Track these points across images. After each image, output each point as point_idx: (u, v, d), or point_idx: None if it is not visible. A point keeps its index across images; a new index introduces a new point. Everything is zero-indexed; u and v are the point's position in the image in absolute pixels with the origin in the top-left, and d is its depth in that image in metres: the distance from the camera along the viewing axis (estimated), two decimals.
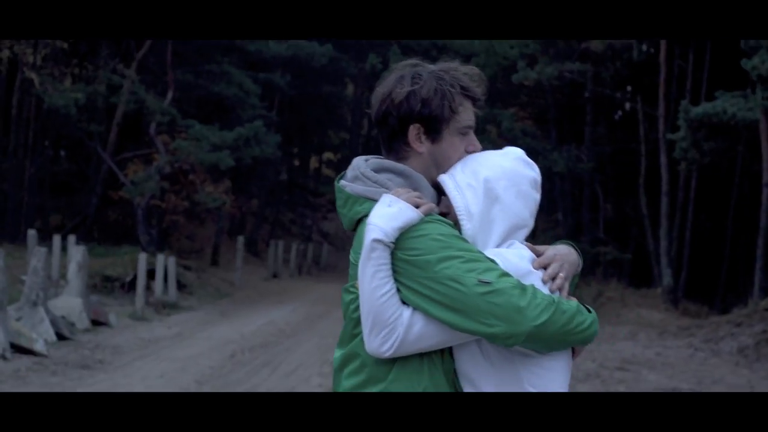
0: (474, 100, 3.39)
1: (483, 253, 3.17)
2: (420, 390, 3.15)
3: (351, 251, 3.32)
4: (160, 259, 25.75)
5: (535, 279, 3.18)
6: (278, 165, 46.46)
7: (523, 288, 3.08)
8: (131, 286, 25.69)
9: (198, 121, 34.04)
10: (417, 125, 3.31)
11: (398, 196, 3.16)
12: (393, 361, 3.17)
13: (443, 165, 3.35)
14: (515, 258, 3.20)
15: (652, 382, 15.77)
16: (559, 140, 32.94)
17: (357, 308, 3.21)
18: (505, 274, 3.11)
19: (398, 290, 3.14)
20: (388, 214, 3.12)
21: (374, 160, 3.39)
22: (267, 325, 21.67)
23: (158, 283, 25.32)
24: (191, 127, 33.30)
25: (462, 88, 3.36)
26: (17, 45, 31.49)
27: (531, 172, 3.36)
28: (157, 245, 33.13)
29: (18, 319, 16.23)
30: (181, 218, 36.25)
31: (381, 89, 3.38)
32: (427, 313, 3.13)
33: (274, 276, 37.98)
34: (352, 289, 3.25)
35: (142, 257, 23.71)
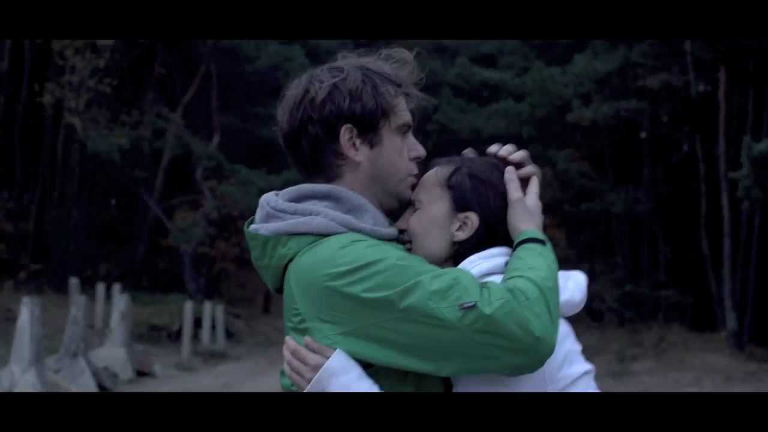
0: (407, 93, 2.60)
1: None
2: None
3: (285, 317, 2.58)
4: (207, 307, 25.37)
5: None
6: None
7: (510, 292, 2.38)
8: (178, 335, 25.34)
9: (245, 166, 33.64)
10: (348, 126, 2.53)
11: None
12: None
13: (388, 174, 2.60)
14: None
15: None
16: (615, 181, 32.28)
17: None
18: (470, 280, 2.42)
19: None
20: None
21: (287, 190, 2.68)
22: None
23: (205, 332, 24.94)
24: (238, 172, 32.91)
25: (391, 77, 2.57)
26: (59, 90, 31.22)
27: None
28: (205, 293, 32.73)
29: (57, 371, 15.85)
30: (231, 265, 35.93)
31: (291, 93, 2.60)
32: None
33: None
34: None
35: (188, 305, 23.48)
